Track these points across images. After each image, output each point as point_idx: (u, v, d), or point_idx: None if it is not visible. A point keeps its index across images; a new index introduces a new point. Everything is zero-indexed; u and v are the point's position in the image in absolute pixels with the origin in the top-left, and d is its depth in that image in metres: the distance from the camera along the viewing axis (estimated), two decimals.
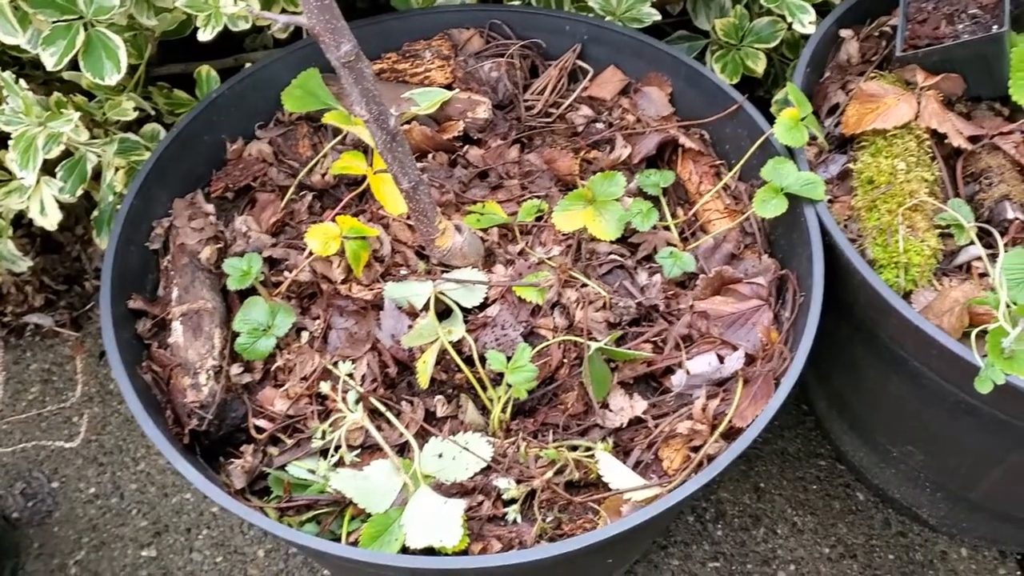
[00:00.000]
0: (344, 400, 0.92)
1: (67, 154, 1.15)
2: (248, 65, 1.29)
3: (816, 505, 1.31)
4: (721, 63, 1.29)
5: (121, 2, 1.03)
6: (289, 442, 0.93)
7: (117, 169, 1.21)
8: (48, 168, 1.11)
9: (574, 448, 0.91)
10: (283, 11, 1.26)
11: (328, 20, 0.74)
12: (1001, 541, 1.24)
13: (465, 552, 0.84)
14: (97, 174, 1.19)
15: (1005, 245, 0.97)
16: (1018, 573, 1.25)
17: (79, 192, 1.15)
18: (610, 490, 0.87)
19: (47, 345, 1.51)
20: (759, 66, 1.28)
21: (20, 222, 1.52)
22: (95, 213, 1.27)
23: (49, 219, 1.16)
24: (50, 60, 1.02)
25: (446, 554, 0.83)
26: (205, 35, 1.10)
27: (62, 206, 1.14)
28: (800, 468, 1.34)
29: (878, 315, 0.96)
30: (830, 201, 1.05)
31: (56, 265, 1.55)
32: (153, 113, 1.28)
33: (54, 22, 1.02)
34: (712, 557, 1.27)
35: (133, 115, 1.20)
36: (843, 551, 1.27)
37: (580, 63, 1.21)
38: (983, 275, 0.99)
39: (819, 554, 1.27)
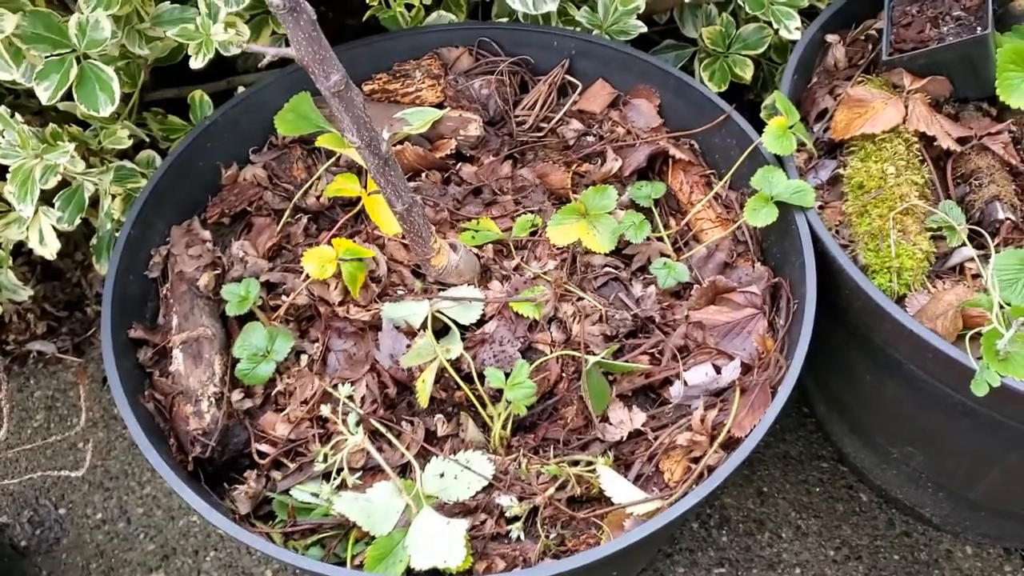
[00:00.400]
0: (345, 422, 0.93)
1: (64, 183, 1.16)
2: (241, 88, 1.30)
3: (820, 508, 1.32)
4: (709, 71, 1.30)
5: (113, 34, 1.04)
6: (292, 466, 0.93)
7: (114, 196, 1.22)
8: (46, 198, 1.12)
9: (575, 463, 0.92)
10: (272, 34, 1.27)
11: (316, 51, 0.75)
12: (1005, 538, 1.24)
13: (470, 572, 0.85)
14: (95, 201, 1.20)
15: (996, 246, 0.98)
16: (1023, 570, 1.25)
17: (77, 221, 1.16)
18: (612, 504, 0.88)
19: (50, 372, 1.52)
20: (747, 73, 1.29)
21: (20, 250, 1.53)
22: (94, 240, 1.28)
23: (48, 248, 1.17)
24: (44, 94, 1.03)
25: (451, 575, 0.84)
26: (197, 63, 1.11)
27: (60, 234, 1.15)
28: (803, 471, 1.35)
29: (872, 320, 0.96)
30: (821, 207, 1.06)
31: (57, 292, 1.56)
32: (148, 140, 1.29)
33: (47, 57, 1.03)
34: (718, 563, 1.28)
35: (128, 143, 1.21)
36: (848, 553, 1.28)
37: (569, 78, 1.22)
38: (976, 276, 0.99)
39: (824, 556, 1.28)
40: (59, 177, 1.10)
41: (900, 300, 0.98)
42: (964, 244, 1.00)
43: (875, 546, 1.28)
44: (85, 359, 1.53)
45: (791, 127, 1.03)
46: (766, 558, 1.28)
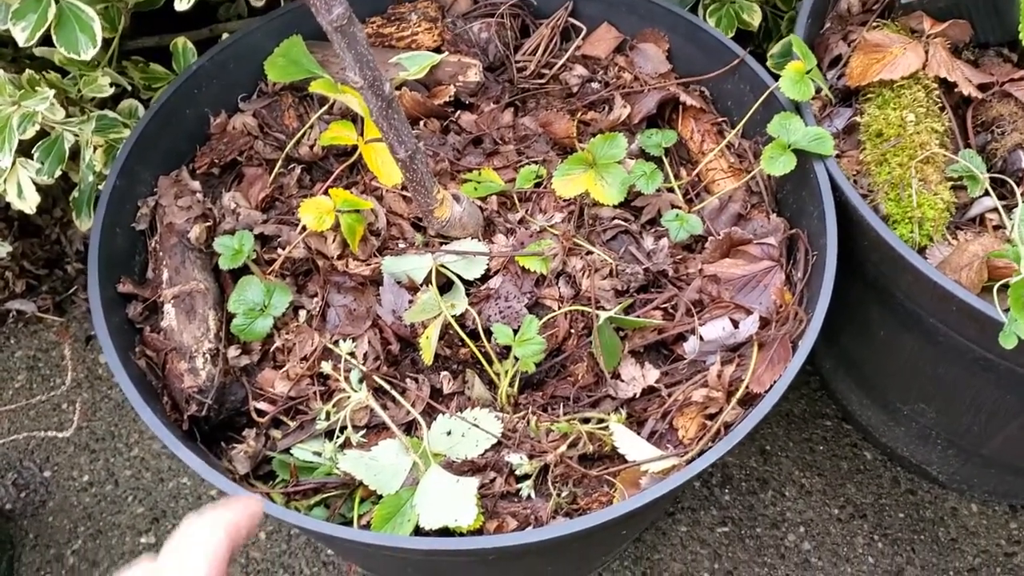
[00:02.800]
0: (347, 379, 0.89)
1: (43, 134, 1.10)
2: (225, 35, 1.24)
3: (824, 466, 1.30)
4: (715, 17, 1.25)
5: None
6: (292, 424, 0.90)
7: (96, 148, 1.16)
8: (23, 150, 1.06)
9: (586, 420, 0.89)
10: None
11: None
12: (1012, 495, 1.23)
13: (480, 531, 0.82)
14: (74, 154, 1.15)
15: (1021, 195, 0.95)
16: None
17: (58, 173, 1.11)
18: (625, 462, 0.85)
19: (31, 332, 1.47)
20: (755, 19, 1.25)
21: None
22: (74, 194, 1.22)
23: (27, 202, 1.11)
24: (21, 35, 0.97)
25: (460, 534, 0.81)
26: (182, 4, 1.04)
27: (39, 188, 1.09)
28: (806, 429, 1.33)
29: (892, 272, 0.93)
30: (837, 156, 1.02)
31: (36, 249, 1.50)
32: (130, 89, 1.23)
33: None
34: (720, 522, 1.26)
35: (109, 91, 1.14)
36: (852, 511, 1.26)
37: (572, 21, 1.16)
38: (997, 227, 0.96)
39: (828, 515, 1.26)
40: (37, 126, 1.04)
41: (921, 251, 0.95)
42: (987, 194, 0.96)
43: (880, 504, 1.27)
44: (67, 318, 1.47)
45: (808, 72, 0.99)
46: (769, 517, 1.26)
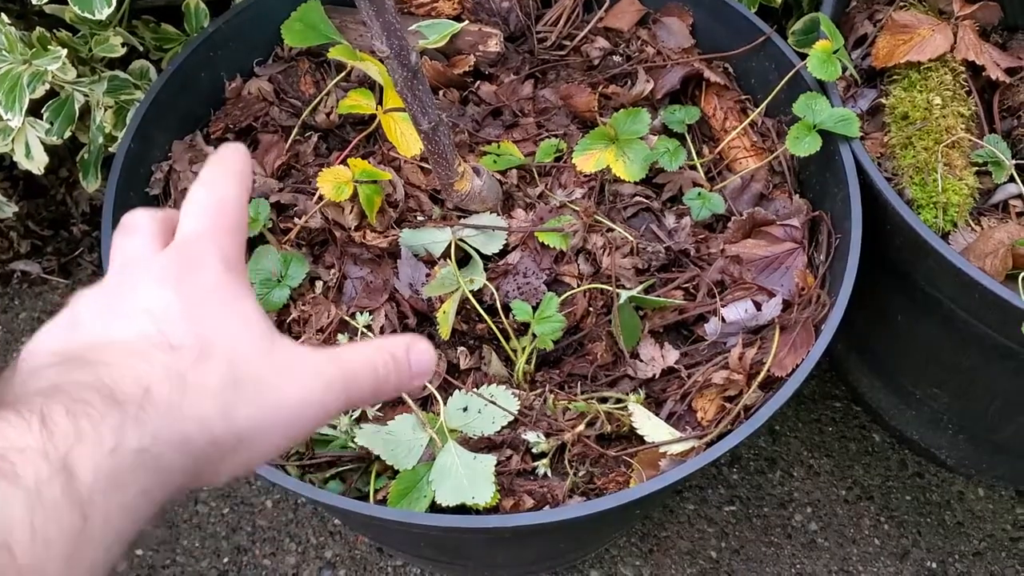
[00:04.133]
0: None
1: (52, 94, 1.08)
2: None
3: (832, 447, 1.30)
4: None
5: None
6: None
7: (106, 109, 1.14)
8: (32, 109, 1.04)
9: (604, 400, 0.88)
10: None
11: None
12: (1019, 481, 1.23)
13: (496, 508, 0.81)
14: (82, 114, 1.13)
15: None
16: None
17: (67, 134, 1.09)
18: (644, 443, 0.84)
19: (36, 293, 1.45)
20: None
21: (1, 165, 1.45)
22: (82, 155, 1.21)
23: (35, 162, 1.10)
24: None
25: (476, 510, 0.80)
26: None
27: (47, 148, 1.08)
28: (815, 410, 1.33)
29: (915, 257, 0.92)
30: (861, 138, 1.01)
31: (41, 210, 1.49)
32: (141, 49, 1.21)
33: None
34: (728, 501, 1.26)
35: (121, 52, 1.12)
36: (860, 493, 1.26)
37: None
38: (1020, 214, 0.96)
39: (835, 496, 1.26)
40: (47, 86, 1.02)
41: (944, 237, 0.94)
42: (1012, 180, 0.95)
43: (887, 486, 1.27)
44: (72, 280, 1.46)
45: (835, 52, 0.97)
46: (777, 496, 1.26)
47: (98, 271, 1.45)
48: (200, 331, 0.40)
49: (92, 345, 0.39)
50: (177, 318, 0.40)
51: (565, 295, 0.90)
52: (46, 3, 0.99)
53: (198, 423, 0.38)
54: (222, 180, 0.47)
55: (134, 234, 0.45)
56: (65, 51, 1.02)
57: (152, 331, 0.39)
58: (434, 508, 0.80)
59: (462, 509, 0.80)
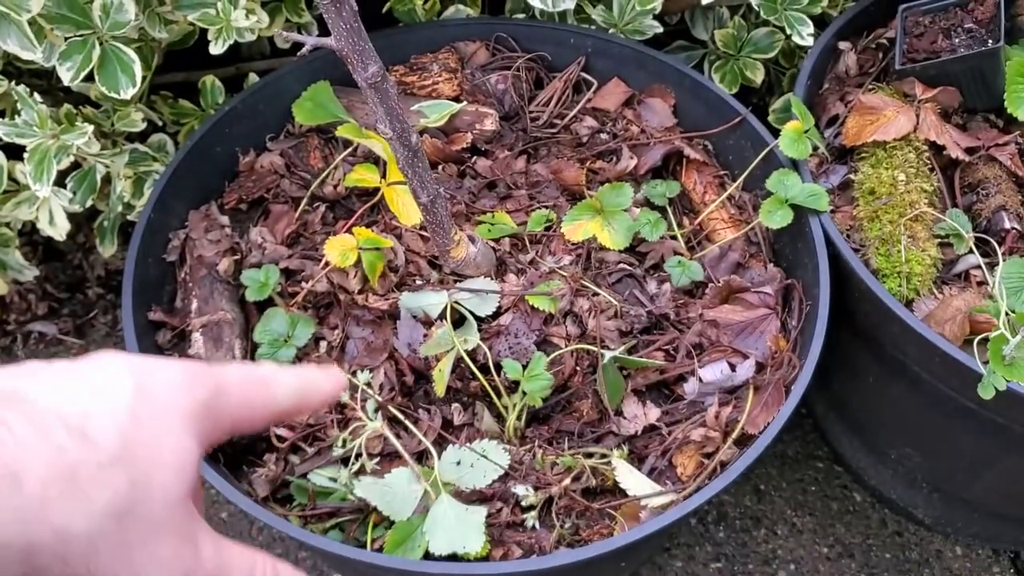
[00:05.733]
0: (363, 409, 0.94)
1: (75, 165, 1.16)
2: (251, 75, 1.31)
3: (815, 506, 1.34)
4: (720, 73, 1.32)
5: (136, 16, 1.05)
6: (310, 451, 0.94)
7: (126, 179, 1.22)
8: (56, 180, 1.12)
9: (590, 455, 0.93)
10: (286, 21, 1.28)
11: (356, 42, 0.76)
12: (994, 539, 1.28)
13: (487, 558, 0.86)
14: (101, 183, 1.20)
15: (1003, 254, 1.00)
16: (1011, 571, 1.28)
17: (89, 203, 1.17)
18: (626, 496, 0.89)
19: (51, 353, 1.51)
20: (757, 76, 1.31)
21: (22, 230, 1.53)
22: (100, 222, 1.28)
23: (58, 229, 1.17)
24: (67, 75, 1.03)
25: (468, 560, 0.85)
26: (217, 48, 1.11)
27: (68, 216, 1.15)
28: (799, 470, 1.38)
29: (881, 323, 0.99)
30: (832, 211, 1.08)
31: (58, 273, 1.56)
32: (160, 124, 1.29)
33: (68, 37, 1.04)
34: (714, 558, 1.30)
35: (142, 126, 1.21)
36: (841, 550, 1.30)
37: (584, 75, 1.23)
38: (981, 283, 1.02)
39: (818, 553, 1.30)
40: (72, 158, 1.10)
41: (908, 304, 1.00)
42: (971, 251, 1.02)
43: (867, 544, 1.31)
44: (86, 341, 1.52)
45: (806, 131, 1.05)
46: (762, 554, 1.30)
47: (112, 332, 1.52)
48: (131, 437, 0.34)
49: (7, 392, 0.34)
50: (116, 411, 0.35)
51: (553, 355, 0.96)
52: (76, 83, 1.07)
53: (56, 536, 0.32)
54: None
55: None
56: (91, 127, 1.10)
57: (75, 410, 0.34)
58: (427, 557, 0.85)
59: (454, 558, 0.85)
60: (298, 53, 0.78)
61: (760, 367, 0.96)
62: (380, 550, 0.86)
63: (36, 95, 1.07)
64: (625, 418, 0.96)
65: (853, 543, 1.31)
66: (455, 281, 1.03)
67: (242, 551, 0.40)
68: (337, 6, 0.73)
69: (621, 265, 1.06)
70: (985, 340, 0.90)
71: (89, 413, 0.34)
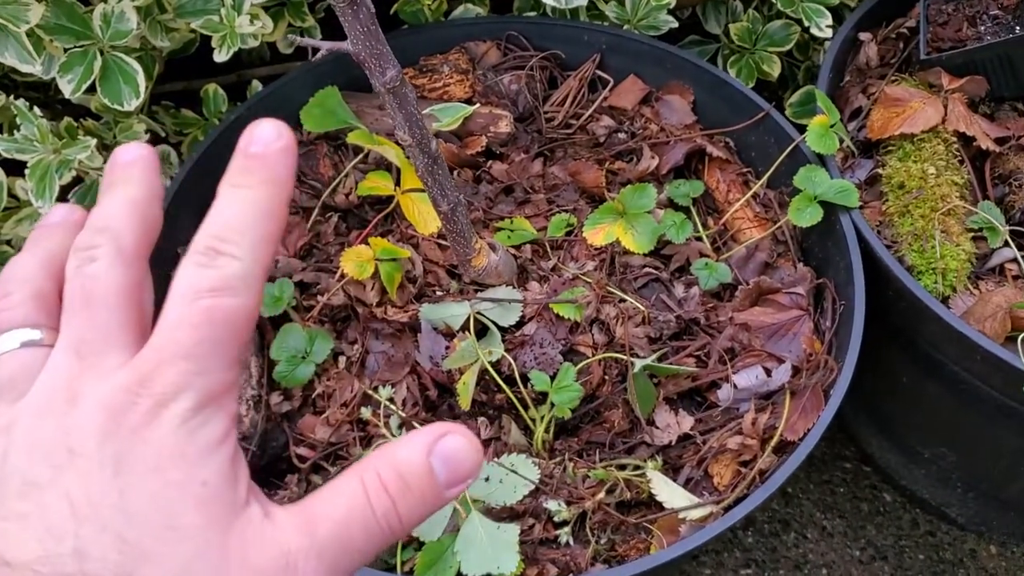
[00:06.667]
0: (386, 425, 0.91)
1: (78, 180, 1.13)
2: (254, 82, 1.27)
3: (844, 508, 1.31)
4: (736, 67, 1.29)
5: (137, 25, 1.01)
6: (333, 470, 0.91)
7: None
8: (59, 194, 1.08)
9: (622, 467, 0.90)
10: (289, 26, 1.25)
11: (373, 46, 0.73)
12: None
13: None
14: None
15: None
16: None
17: None
18: (663, 509, 0.86)
19: None
20: (774, 70, 1.28)
21: None
22: None
23: None
24: (68, 87, 0.99)
25: None
26: (221, 56, 1.07)
27: None
28: (826, 471, 1.35)
29: (917, 321, 0.96)
30: (860, 207, 1.05)
31: None
32: (162, 135, 1.26)
33: (68, 49, 1.00)
34: (744, 564, 1.27)
35: (145, 137, 1.17)
36: (873, 553, 1.28)
37: (600, 73, 1.20)
38: (1016, 277, 0.99)
39: (850, 557, 1.27)
40: (74, 172, 1.07)
41: (944, 301, 0.97)
42: (1006, 244, 0.99)
43: (900, 546, 1.28)
44: None
45: (832, 126, 1.02)
46: (792, 559, 1.27)
47: None
48: (129, 536, 0.32)
49: None
50: (104, 520, 0.32)
51: (581, 364, 0.93)
52: (77, 95, 1.04)
53: None
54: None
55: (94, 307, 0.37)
56: (94, 140, 1.06)
57: (55, 540, 0.31)
58: None
59: None
60: (311, 58, 0.75)
61: (796, 371, 0.92)
62: (410, 573, 0.83)
63: (36, 109, 1.04)
64: (657, 427, 0.93)
65: (885, 545, 1.28)
66: (476, 291, 1.00)
67: (336, 492, 0.37)
68: (354, 8, 0.70)
69: (646, 269, 1.02)
70: None
71: (80, 534, 0.32)
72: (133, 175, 0.41)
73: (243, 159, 0.39)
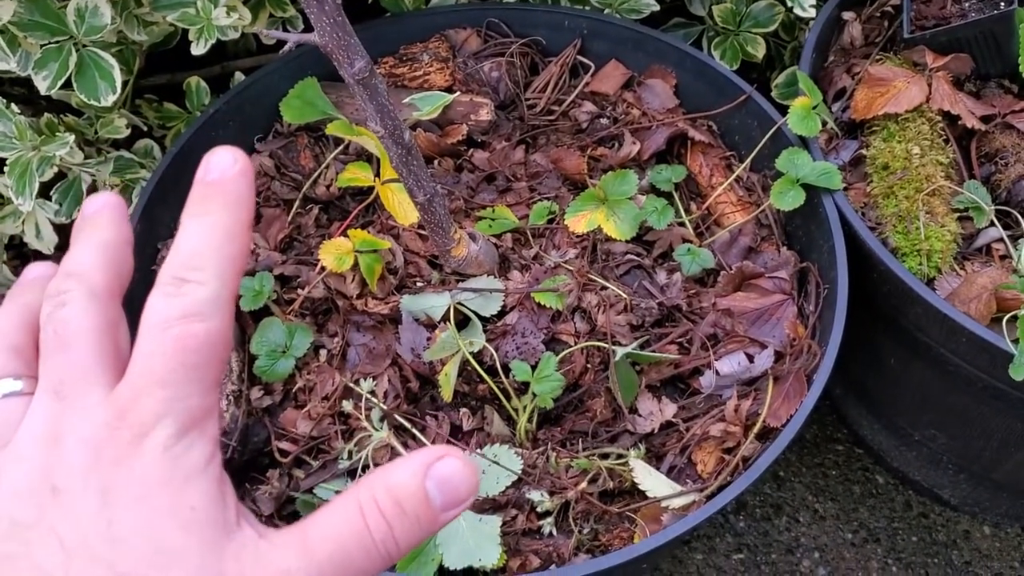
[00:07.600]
0: (368, 418, 0.90)
1: (60, 176, 1.12)
2: (237, 74, 1.26)
3: (836, 491, 1.31)
4: (720, 49, 1.28)
5: (112, 20, 1.00)
6: (315, 464, 0.91)
7: (112, 188, 1.18)
8: (40, 191, 1.08)
9: (605, 456, 0.90)
10: (270, 17, 1.24)
11: (341, 37, 0.72)
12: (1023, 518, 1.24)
13: (503, 569, 0.83)
14: (89, 192, 1.16)
15: None
16: None
17: (75, 215, 1.13)
18: (646, 498, 0.86)
19: None
20: (759, 51, 1.27)
21: (11, 242, 1.49)
22: None
23: (45, 242, 1.14)
24: (43, 84, 0.99)
25: (484, 572, 0.82)
26: (199, 49, 1.06)
27: (55, 227, 1.11)
28: (818, 454, 1.34)
29: (902, 303, 0.95)
30: (844, 189, 1.04)
31: None
32: (145, 128, 1.25)
33: (43, 44, 0.99)
34: (736, 549, 1.27)
35: (126, 132, 1.17)
36: (866, 535, 1.27)
37: (581, 58, 1.18)
38: (1004, 257, 0.98)
39: (842, 540, 1.27)
40: (55, 169, 1.06)
41: (929, 283, 0.96)
42: (992, 224, 0.98)
43: (893, 528, 1.28)
44: None
45: (815, 107, 1.01)
46: (784, 543, 1.27)
47: None
48: (120, 566, 0.32)
49: None
50: (94, 551, 0.32)
51: (563, 353, 0.92)
52: (54, 91, 1.03)
53: None
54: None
55: (68, 349, 0.37)
56: (73, 136, 1.05)
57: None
58: (442, 572, 0.82)
59: (470, 571, 0.82)
60: (281, 51, 0.74)
61: (779, 356, 0.92)
62: (392, 568, 0.83)
63: (14, 105, 1.03)
64: (640, 416, 0.92)
65: (878, 527, 1.28)
66: (457, 281, 0.99)
67: (332, 515, 0.36)
68: (319, 0, 0.69)
69: (629, 256, 1.02)
70: (1014, 318, 0.86)
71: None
72: (101, 221, 0.42)
73: (202, 188, 0.40)
